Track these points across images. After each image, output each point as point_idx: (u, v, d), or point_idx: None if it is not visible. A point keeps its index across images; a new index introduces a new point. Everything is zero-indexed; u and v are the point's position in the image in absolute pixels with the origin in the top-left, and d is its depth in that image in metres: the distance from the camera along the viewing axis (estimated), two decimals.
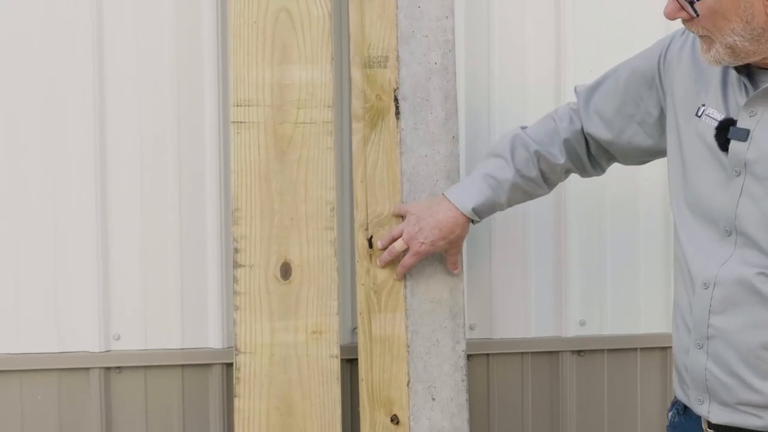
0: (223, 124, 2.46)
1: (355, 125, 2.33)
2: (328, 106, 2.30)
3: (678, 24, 1.82)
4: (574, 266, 2.61)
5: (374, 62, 2.34)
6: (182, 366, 2.50)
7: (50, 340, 2.44)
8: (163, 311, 2.48)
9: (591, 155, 2.23)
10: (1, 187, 2.41)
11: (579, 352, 2.63)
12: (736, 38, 1.71)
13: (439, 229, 2.21)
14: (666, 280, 2.62)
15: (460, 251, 2.30)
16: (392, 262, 2.29)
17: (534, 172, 2.21)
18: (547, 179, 2.25)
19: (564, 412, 2.63)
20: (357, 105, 2.33)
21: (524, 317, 2.60)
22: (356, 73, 2.33)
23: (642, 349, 2.66)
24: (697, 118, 1.86)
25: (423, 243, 2.22)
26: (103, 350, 2.45)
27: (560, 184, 2.51)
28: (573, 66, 2.57)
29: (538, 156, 2.20)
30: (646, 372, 2.67)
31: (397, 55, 2.34)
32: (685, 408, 1.94)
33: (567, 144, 2.20)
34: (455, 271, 2.31)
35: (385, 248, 2.28)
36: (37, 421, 2.46)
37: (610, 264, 2.63)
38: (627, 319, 2.64)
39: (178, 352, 2.49)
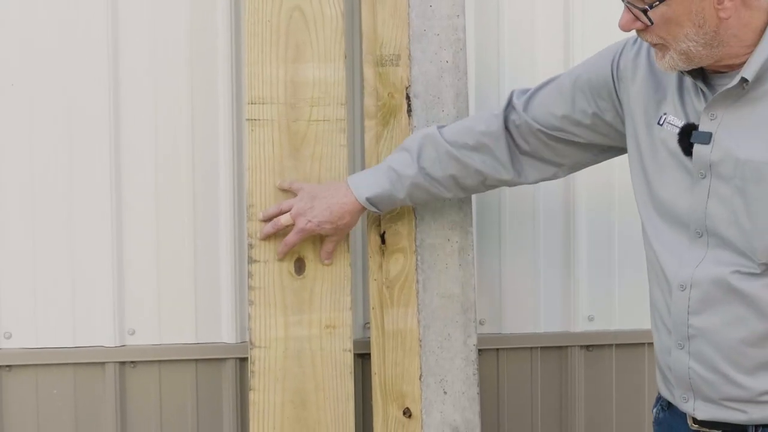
0: (237, 122, 2.49)
1: (367, 123, 2.36)
2: (341, 104, 2.34)
3: (616, 28, 1.85)
4: (583, 263, 2.64)
5: (386, 60, 2.37)
6: (196, 360, 2.53)
7: (66, 335, 2.47)
8: (177, 306, 2.51)
9: (522, 162, 2.20)
10: (18, 185, 2.44)
11: (587, 347, 2.66)
12: (690, 44, 1.75)
13: (330, 211, 2.20)
14: None
15: (341, 240, 2.28)
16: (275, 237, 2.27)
17: (439, 173, 2.19)
18: (460, 182, 2.21)
19: (572, 405, 2.66)
20: (369, 103, 2.36)
21: (533, 313, 2.63)
22: (369, 72, 2.37)
23: (649, 344, 2.62)
24: (659, 126, 1.89)
25: (310, 221, 2.20)
26: (118, 345, 2.48)
27: (570, 182, 2.57)
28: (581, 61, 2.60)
29: (450, 156, 2.19)
30: (653, 367, 2.65)
31: (409, 54, 2.37)
32: (669, 404, 1.97)
33: (482, 146, 2.18)
34: (326, 261, 2.28)
35: (267, 220, 2.25)
36: (53, 414, 2.48)
37: (617, 260, 2.66)
38: (635, 314, 2.66)
39: (192, 347, 2.52)
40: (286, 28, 2.33)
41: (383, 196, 2.20)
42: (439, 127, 2.24)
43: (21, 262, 2.45)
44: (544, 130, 2.14)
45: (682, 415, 1.92)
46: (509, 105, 2.19)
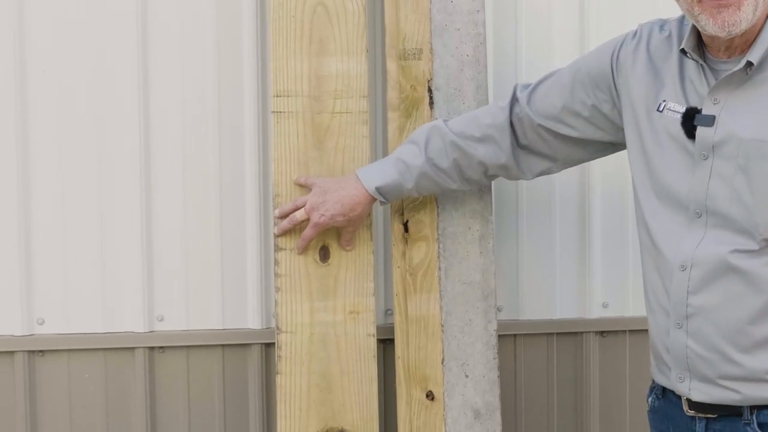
0: (262, 114, 2.55)
1: (390, 115, 2.42)
2: (364, 97, 2.40)
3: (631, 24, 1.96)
4: (598, 251, 2.70)
5: (409, 54, 2.43)
6: (222, 346, 2.59)
7: (97, 321, 2.54)
8: (204, 293, 2.57)
9: (516, 156, 2.26)
10: (49, 173, 2.51)
11: (602, 332, 2.72)
12: None
13: (342, 204, 2.25)
14: None
15: (356, 230, 2.33)
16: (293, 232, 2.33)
17: (446, 163, 2.25)
18: (463, 173, 2.27)
19: (587, 390, 2.72)
20: (392, 95, 2.42)
21: (550, 300, 2.69)
22: (392, 65, 2.43)
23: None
24: (659, 113, 1.96)
25: (323, 215, 2.26)
26: (147, 331, 2.54)
27: (585, 172, 2.63)
28: None
29: (454, 147, 2.24)
30: None
31: (431, 48, 2.43)
32: (664, 391, 2.02)
33: (487, 138, 2.24)
34: (348, 248, 2.34)
35: (283, 216, 2.31)
36: (84, 398, 2.55)
37: (631, 249, 2.71)
38: None
39: (219, 333, 2.58)
40: (309, 23, 2.39)
41: (392, 186, 2.26)
42: (445, 121, 2.30)
43: (53, 250, 2.51)
44: (544, 123, 2.20)
45: (677, 402, 1.97)
46: (513, 98, 2.25)
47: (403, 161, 2.26)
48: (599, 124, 2.15)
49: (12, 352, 2.50)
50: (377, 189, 2.25)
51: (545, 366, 2.71)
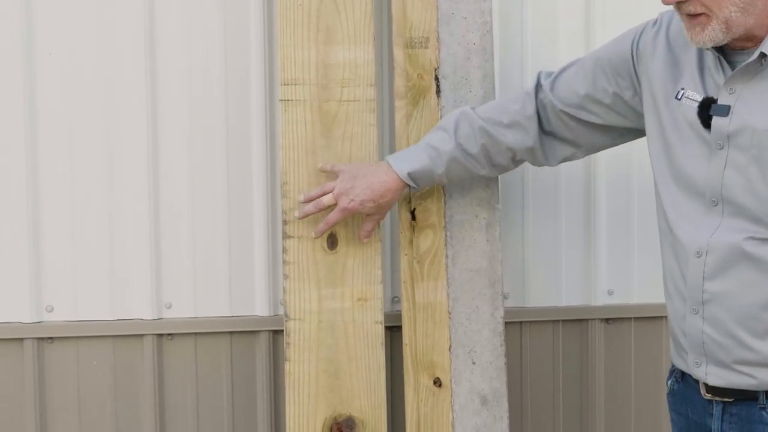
0: (269, 102, 2.56)
1: (397, 103, 2.43)
2: (371, 85, 2.40)
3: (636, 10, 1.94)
4: (603, 239, 2.71)
5: (416, 43, 2.43)
6: (230, 333, 2.60)
7: (105, 309, 2.55)
8: (212, 281, 2.58)
9: (542, 142, 2.28)
10: (58, 161, 2.52)
11: (607, 320, 2.74)
12: (732, 9, 1.83)
13: (372, 190, 2.25)
14: None
15: (382, 218, 2.33)
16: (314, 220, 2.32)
17: (475, 149, 2.26)
18: (492, 159, 2.28)
19: (593, 377, 2.73)
20: (399, 84, 2.43)
21: (555, 287, 2.71)
22: (399, 54, 2.43)
23: (667, 317, 2.76)
24: (677, 101, 1.98)
25: (352, 200, 2.25)
26: (155, 318, 2.55)
27: (590, 160, 2.64)
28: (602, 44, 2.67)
29: (483, 132, 2.26)
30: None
31: (438, 36, 2.44)
32: (683, 375, 2.05)
33: (515, 124, 2.26)
34: (365, 240, 2.34)
35: (308, 201, 2.29)
36: (93, 385, 2.56)
37: (636, 236, 2.73)
38: (653, 288, 2.69)
39: (227, 320, 2.59)
40: (317, 11, 2.40)
41: (423, 171, 2.26)
42: (473, 108, 2.31)
43: (61, 238, 2.52)
44: (567, 110, 2.23)
45: (695, 386, 2.00)
46: (537, 84, 2.27)
47: (434, 147, 2.27)
48: (621, 111, 2.17)
49: (21, 339, 2.52)
50: (409, 174, 2.26)
51: (551, 352, 2.73)
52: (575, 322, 2.73)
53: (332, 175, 2.32)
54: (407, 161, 2.27)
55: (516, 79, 2.65)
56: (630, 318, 2.75)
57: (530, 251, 2.70)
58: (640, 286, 2.74)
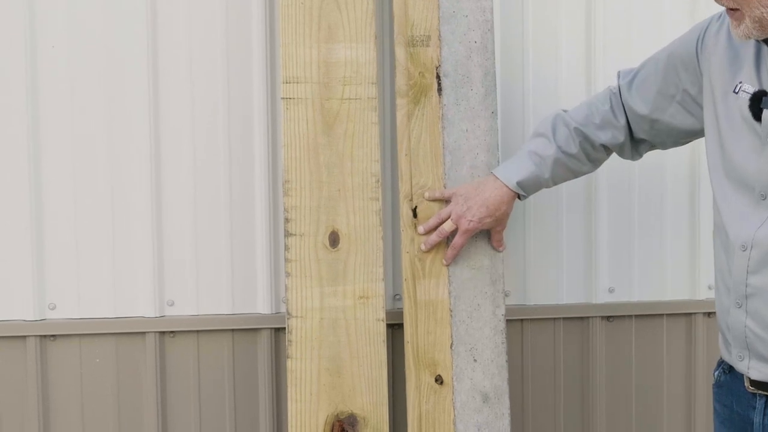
0: (271, 100, 2.57)
1: (399, 101, 2.44)
2: (372, 83, 2.41)
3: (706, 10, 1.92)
4: (604, 237, 2.72)
5: (417, 41, 2.44)
6: (232, 330, 2.61)
7: (108, 306, 2.56)
8: (214, 279, 2.59)
9: (632, 137, 2.33)
10: (61, 159, 2.53)
11: (608, 317, 2.75)
12: (763, 10, 1.83)
13: (487, 207, 2.31)
14: (691, 250, 2.74)
15: (504, 228, 2.39)
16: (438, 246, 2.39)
17: (574, 149, 2.31)
18: (590, 156, 2.35)
19: (593, 374, 2.75)
20: (401, 82, 2.44)
21: (556, 285, 2.72)
22: (400, 52, 2.44)
23: (668, 315, 2.77)
24: (735, 94, 1.98)
25: (471, 221, 2.31)
26: (158, 315, 2.56)
27: None
28: (603, 47, 2.68)
29: (578, 133, 2.31)
30: (671, 337, 2.78)
31: (439, 35, 2.44)
32: (731, 368, 2.05)
33: (606, 123, 2.31)
34: (500, 249, 2.40)
35: (429, 232, 2.37)
36: (95, 382, 2.57)
37: (637, 234, 2.74)
38: (654, 286, 2.75)
39: (229, 318, 2.60)
40: (318, 9, 2.40)
41: (531, 179, 2.31)
42: (564, 110, 2.36)
43: (64, 236, 2.53)
44: (642, 110, 2.25)
45: (741, 378, 2.00)
46: (618, 84, 2.31)
47: (537, 153, 2.31)
48: (690, 108, 2.18)
49: (24, 337, 2.53)
50: (518, 183, 2.30)
51: (552, 350, 2.74)
52: (576, 320, 2.74)
53: (339, 176, 2.34)
54: (514, 171, 2.31)
55: (517, 77, 2.66)
56: (631, 316, 2.76)
57: (531, 249, 2.71)
58: (641, 283, 2.75)
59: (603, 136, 2.32)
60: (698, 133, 2.23)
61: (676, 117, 2.22)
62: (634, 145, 2.36)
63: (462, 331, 2.42)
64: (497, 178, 2.32)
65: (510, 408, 2.44)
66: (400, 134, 2.43)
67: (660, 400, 2.78)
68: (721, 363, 2.10)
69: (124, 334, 2.57)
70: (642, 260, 2.74)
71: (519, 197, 2.35)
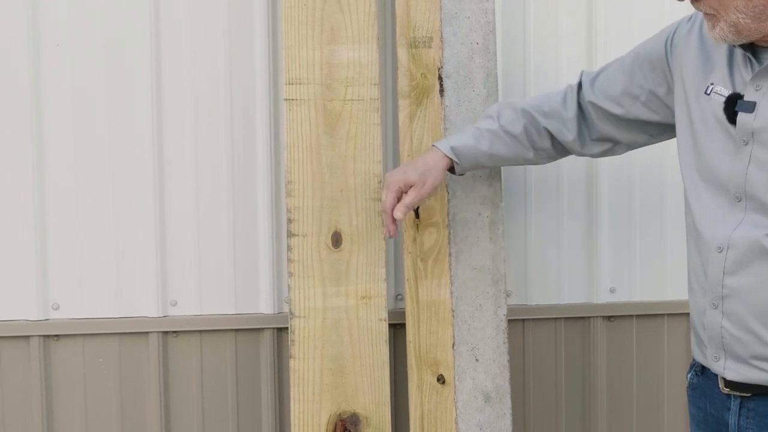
0: (274, 102, 2.58)
1: (401, 102, 2.45)
2: (375, 84, 2.42)
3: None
4: (604, 237, 2.73)
5: (419, 42, 2.45)
6: (235, 330, 2.62)
7: (111, 306, 2.57)
8: (217, 279, 2.60)
9: (581, 132, 2.30)
10: (64, 159, 2.54)
11: (609, 317, 2.76)
12: (739, 15, 1.84)
13: (415, 165, 2.29)
14: None
15: (423, 197, 2.29)
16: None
17: (517, 129, 2.30)
18: (533, 141, 2.32)
19: (595, 374, 2.75)
20: (403, 83, 2.45)
21: (557, 285, 2.73)
22: (402, 53, 2.45)
23: (669, 315, 2.77)
24: (707, 96, 1.99)
25: (394, 174, 2.28)
26: (161, 315, 2.58)
27: (592, 159, 2.65)
28: (604, 47, 2.68)
29: (525, 114, 2.30)
30: (672, 337, 2.79)
31: (441, 36, 2.46)
32: (703, 369, 2.06)
33: (553, 112, 2.30)
34: (398, 214, 2.25)
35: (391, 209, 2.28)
36: (99, 382, 2.58)
37: (638, 234, 2.75)
38: (654, 286, 2.75)
39: (232, 318, 2.61)
40: (321, 11, 2.42)
41: (467, 147, 2.30)
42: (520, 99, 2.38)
43: (67, 236, 2.54)
44: (605, 106, 2.25)
45: (714, 380, 2.00)
46: (580, 82, 2.31)
47: (477, 127, 2.32)
48: (656, 108, 2.19)
49: (27, 337, 2.54)
50: (452, 148, 2.29)
51: (553, 350, 2.75)
52: (577, 320, 2.75)
53: (341, 177, 2.37)
54: (450, 139, 2.32)
55: (519, 78, 2.67)
56: (632, 315, 2.77)
57: (533, 249, 2.71)
58: (642, 283, 2.76)
59: (548, 123, 2.30)
60: (664, 131, 2.24)
61: (642, 116, 2.22)
62: (585, 141, 2.32)
63: (464, 331, 2.43)
64: (435, 146, 2.32)
65: (512, 407, 2.45)
66: (402, 135, 2.44)
67: (661, 400, 2.79)
68: (694, 365, 2.11)
69: (128, 334, 2.58)
70: (643, 260, 2.75)
71: (454, 169, 2.32)
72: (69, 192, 2.54)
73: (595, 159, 2.66)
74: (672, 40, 2.12)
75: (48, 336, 2.55)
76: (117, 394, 2.59)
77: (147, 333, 2.58)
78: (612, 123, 2.27)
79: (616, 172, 2.72)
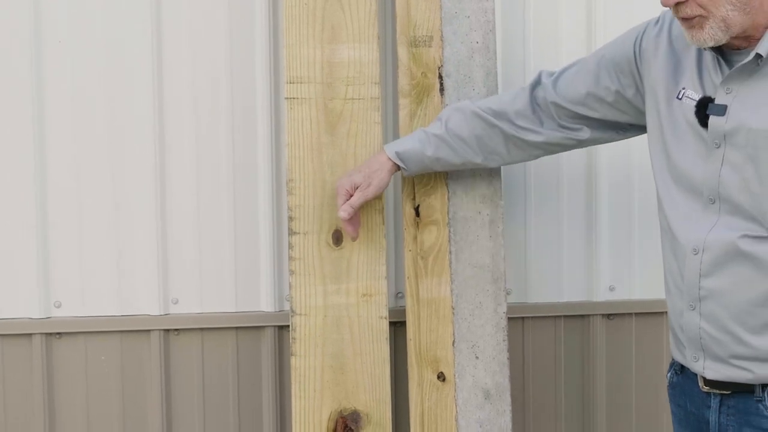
0: (274, 100, 2.59)
1: (401, 101, 2.46)
2: (375, 83, 2.43)
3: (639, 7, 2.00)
4: (604, 235, 2.74)
5: (420, 42, 2.46)
6: (236, 328, 2.63)
7: (113, 304, 2.58)
8: (218, 277, 2.61)
9: (535, 131, 2.29)
10: (65, 158, 2.55)
11: (608, 315, 2.77)
12: (729, 8, 1.85)
13: (360, 169, 2.32)
14: None
15: (369, 197, 2.30)
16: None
17: (466, 132, 2.31)
18: (486, 144, 2.31)
19: (594, 372, 2.76)
20: (404, 82, 2.46)
21: (557, 283, 2.74)
22: (403, 52, 2.46)
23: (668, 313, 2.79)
24: (678, 100, 2.01)
25: (342, 178, 2.32)
26: (162, 313, 2.59)
27: (592, 158, 2.67)
28: (603, 44, 2.70)
29: (474, 116, 2.30)
30: None
31: (441, 35, 2.47)
32: (682, 368, 2.08)
33: (503, 114, 2.29)
34: (342, 214, 2.28)
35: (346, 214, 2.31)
36: (101, 380, 2.59)
37: (638, 233, 2.76)
38: (654, 284, 2.73)
39: (233, 315, 2.62)
40: (322, 10, 2.43)
41: (412, 152, 2.31)
42: (471, 101, 2.37)
43: (69, 234, 2.55)
44: (568, 106, 2.26)
45: (694, 378, 2.02)
46: (538, 81, 2.31)
47: (424, 131, 2.33)
48: (623, 108, 2.20)
49: (30, 335, 2.55)
50: (397, 153, 2.31)
51: (553, 348, 2.76)
52: (577, 318, 2.76)
53: (342, 175, 2.37)
54: (399, 144, 2.34)
55: (518, 77, 2.68)
56: (631, 314, 2.78)
57: (532, 247, 2.72)
58: (641, 282, 2.77)
59: (498, 123, 2.29)
60: (630, 129, 2.25)
61: (609, 116, 2.23)
62: (541, 136, 2.30)
63: (464, 329, 2.44)
64: (384, 148, 2.34)
65: (511, 405, 2.46)
66: (403, 134, 2.45)
67: (660, 398, 2.80)
68: (673, 364, 2.12)
69: (129, 331, 2.59)
70: (642, 259, 2.76)
71: (400, 169, 2.34)
72: (70, 190, 2.55)
73: (595, 155, 2.68)
74: (641, 44, 2.13)
75: (50, 334, 2.56)
76: (119, 391, 2.60)
77: (148, 331, 2.59)
78: (576, 122, 2.27)
79: (616, 170, 2.73)
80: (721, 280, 1.93)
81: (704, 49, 1.95)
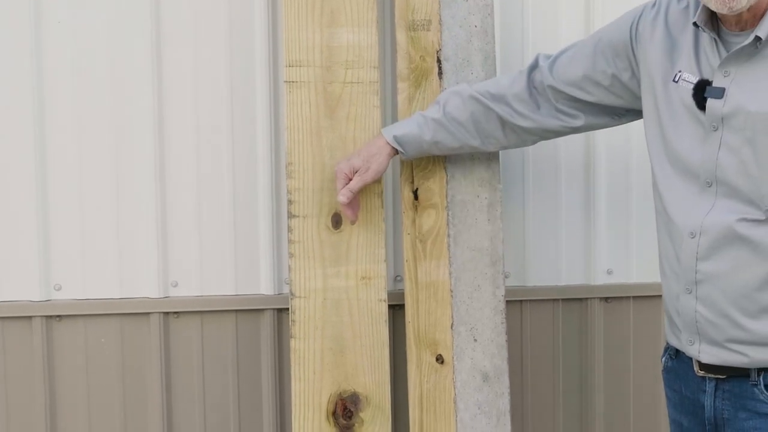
0: (273, 84, 2.59)
1: (400, 85, 2.46)
2: (374, 67, 2.44)
3: None
4: (602, 219, 2.75)
5: (418, 25, 2.47)
6: (236, 311, 2.64)
7: (113, 287, 2.59)
8: (218, 260, 2.62)
9: (532, 114, 2.30)
10: (66, 140, 2.55)
11: (606, 299, 2.78)
12: None
13: (360, 153, 2.33)
14: None
15: (367, 182, 2.32)
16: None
17: (463, 116, 2.31)
18: (483, 128, 2.32)
19: (591, 354, 2.78)
20: (402, 66, 2.46)
21: (555, 266, 2.75)
22: (401, 36, 2.46)
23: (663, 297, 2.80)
24: (675, 83, 2.01)
25: (342, 162, 2.33)
26: (162, 296, 2.60)
27: (590, 142, 2.68)
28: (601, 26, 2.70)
29: (472, 99, 2.31)
30: None
31: (440, 19, 2.47)
32: (677, 352, 2.09)
33: (501, 98, 2.30)
34: (341, 198, 2.30)
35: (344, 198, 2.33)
36: (101, 362, 2.61)
37: (635, 217, 2.77)
38: (652, 268, 2.71)
39: (232, 298, 2.63)
40: None
41: (410, 136, 2.32)
42: (469, 84, 2.37)
43: (70, 217, 2.56)
44: (565, 90, 2.26)
45: (689, 363, 2.04)
46: (535, 65, 2.31)
47: (422, 115, 2.34)
48: (619, 92, 2.21)
49: (30, 317, 2.56)
50: (395, 137, 2.32)
51: (551, 331, 2.77)
52: (575, 301, 2.77)
53: (341, 159, 2.38)
54: (397, 128, 2.35)
55: (517, 61, 2.68)
56: (629, 297, 2.79)
57: (531, 231, 2.73)
58: (639, 265, 2.78)
59: (497, 107, 2.30)
60: (626, 114, 2.25)
61: (604, 100, 2.24)
62: (537, 121, 2.31)
63: (462, 312, 2.45)
64: (382, 132, 2.35)
65: (509, 387, 2.47)
66: (401, 117, 2.45)
67: (657, 380, 2.78)
68: (668, 348, 2.13)
69: (129, 314, 2.60)
70: (640, 242, 2.76)
71: (398, 153, 2.35)
72: (71, 173, 2.56)
73: (593, 140, 2.69)
74: (637, 27, 2.13)
75: (50, 316, 2.57)
76: (119, 374, 2.61)
77: (148, 314, 2.60)
78: (573, 106, 2.28)
79: (615, 154, 2.74)
80: (718, 264, 1.93)
81: (703, 30, 1.95)
